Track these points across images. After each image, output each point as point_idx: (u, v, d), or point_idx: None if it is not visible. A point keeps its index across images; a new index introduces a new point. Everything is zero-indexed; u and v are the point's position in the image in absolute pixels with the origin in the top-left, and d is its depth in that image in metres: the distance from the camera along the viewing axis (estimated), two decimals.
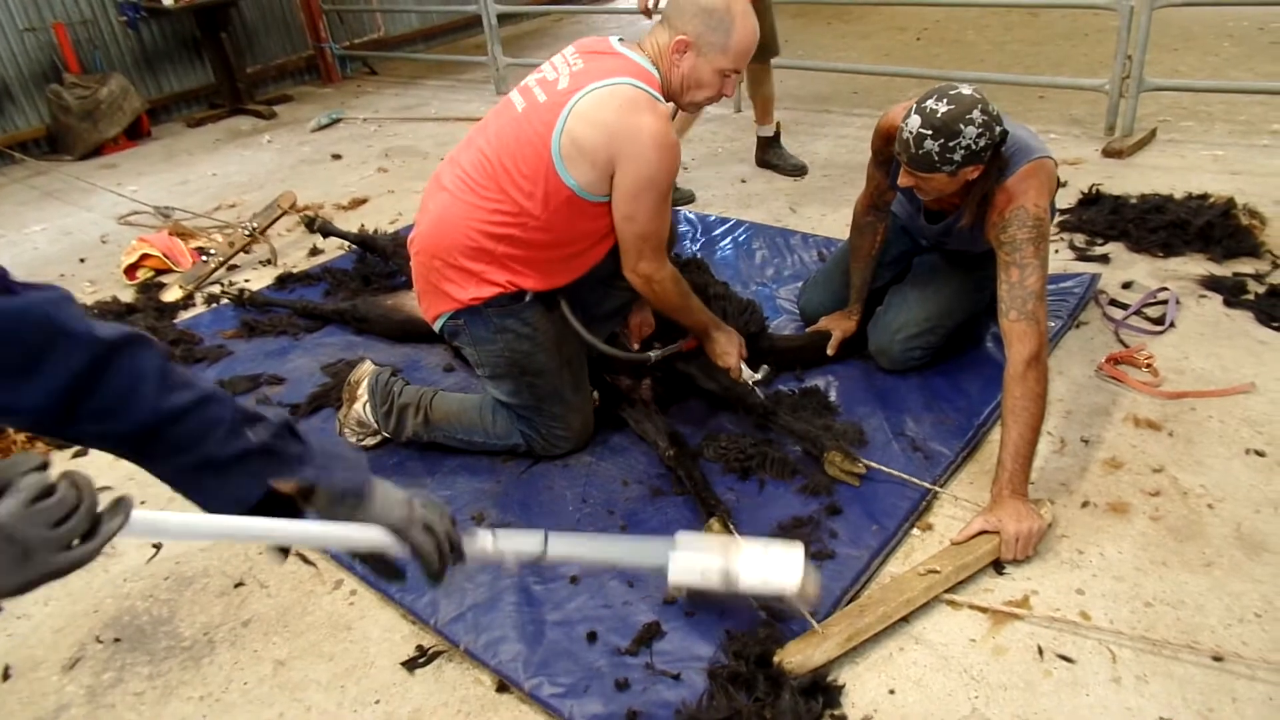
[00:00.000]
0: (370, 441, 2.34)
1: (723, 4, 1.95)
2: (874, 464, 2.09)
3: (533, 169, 1.95)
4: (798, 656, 1.60)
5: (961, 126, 1.87)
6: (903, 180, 2.06)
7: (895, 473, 2.07)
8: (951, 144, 1.88)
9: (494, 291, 2.05)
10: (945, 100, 1.89)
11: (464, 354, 2.23)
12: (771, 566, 1.46)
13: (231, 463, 1.01)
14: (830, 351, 2.51)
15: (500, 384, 2.17)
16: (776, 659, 1.60)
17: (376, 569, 1.23)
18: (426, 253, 2.08)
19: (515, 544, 1.27)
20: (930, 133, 1.89)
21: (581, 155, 1.91)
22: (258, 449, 1.02)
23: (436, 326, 2.18)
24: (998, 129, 1.92)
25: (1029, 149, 2.02)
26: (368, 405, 2.28)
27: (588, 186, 1.94)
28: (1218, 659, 1.57)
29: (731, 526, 1.94)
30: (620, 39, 2.06)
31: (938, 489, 2.03)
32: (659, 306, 2.20)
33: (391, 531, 1.12)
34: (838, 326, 2.54)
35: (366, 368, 2.33)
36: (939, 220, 2.30)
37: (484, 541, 1.24)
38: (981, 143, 1.89)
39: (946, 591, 1.76)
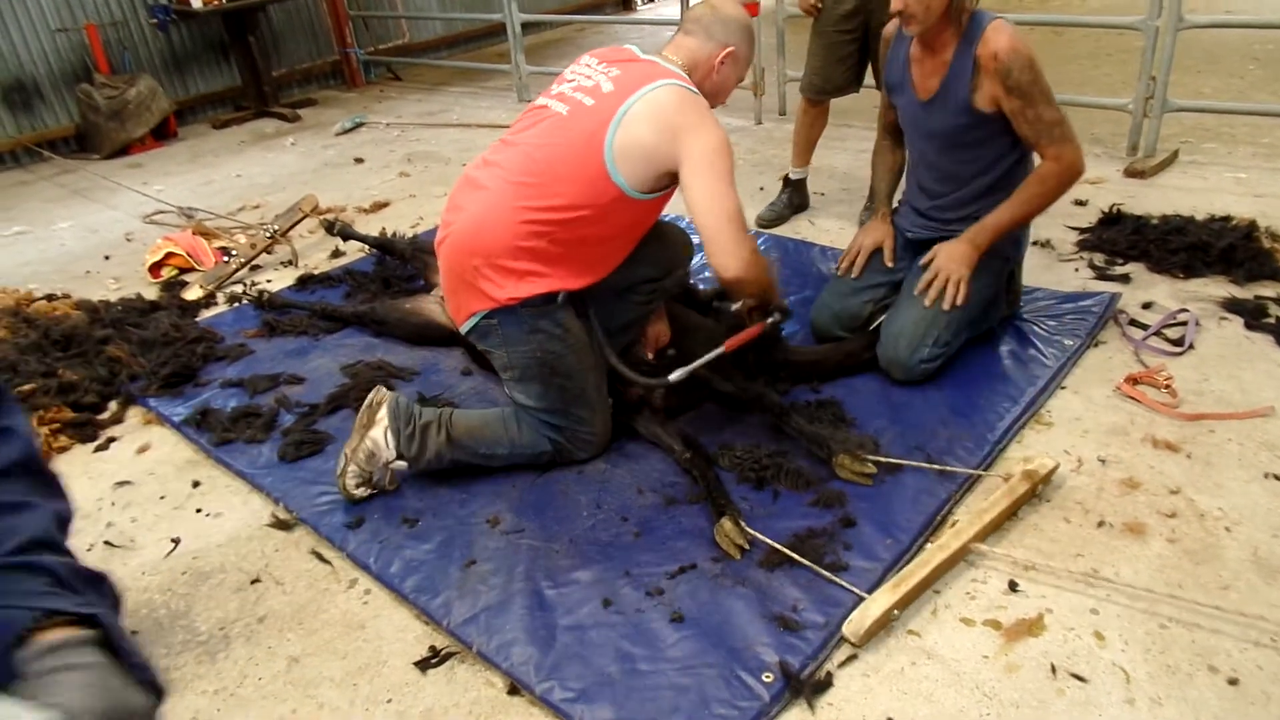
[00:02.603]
0: (362, 493, 2.19)
1: (749, 21, 2.22)
2: (883, 458, 2.13)
3: (583, 169, 2.01)
4: (853, 624, 1.69)
5: None
6: (894, 4, 2.26)
7: (903, 461, 2.13)
8: None
9: (532, 291, 2.06)
10: None
11: (491, 356, 2.22)
12: None
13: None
14: (889, 262, 2.62)
15: (529, 386, 2.18)
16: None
17: None
18: (464, 251, 2.08)
19: None
20: None
21: (641, 153, 2.00)
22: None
23: (467, 327, 2.17)
24: None
25: (993, 16, 2.31)
26: (388, 430, 2.15)
27: (636, 185, 2.03)
28: (1233, 683, 1.56)
29: (743, 525, 1.95)
30: (639, 49, 2.16)
31: (974, 471, 2.03)
32: (758, 291, 2.18)
33: None
34: (872, 236, 2.68)
35: (385, 392, 2.23)
36: (935, 97, 2.43)
37: None
38: None
39: (975, 540, 1.87)
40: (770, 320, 2.26)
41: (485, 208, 2.07)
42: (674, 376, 2.17)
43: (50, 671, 0.76)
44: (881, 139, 2.79)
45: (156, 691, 0.83)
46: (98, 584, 0.88)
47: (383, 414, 2.17)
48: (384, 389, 2.22)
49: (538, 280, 2.07)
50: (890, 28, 2.36)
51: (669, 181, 2.08)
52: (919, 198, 2.64)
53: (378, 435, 2.15)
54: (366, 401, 2.20)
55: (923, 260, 2.35)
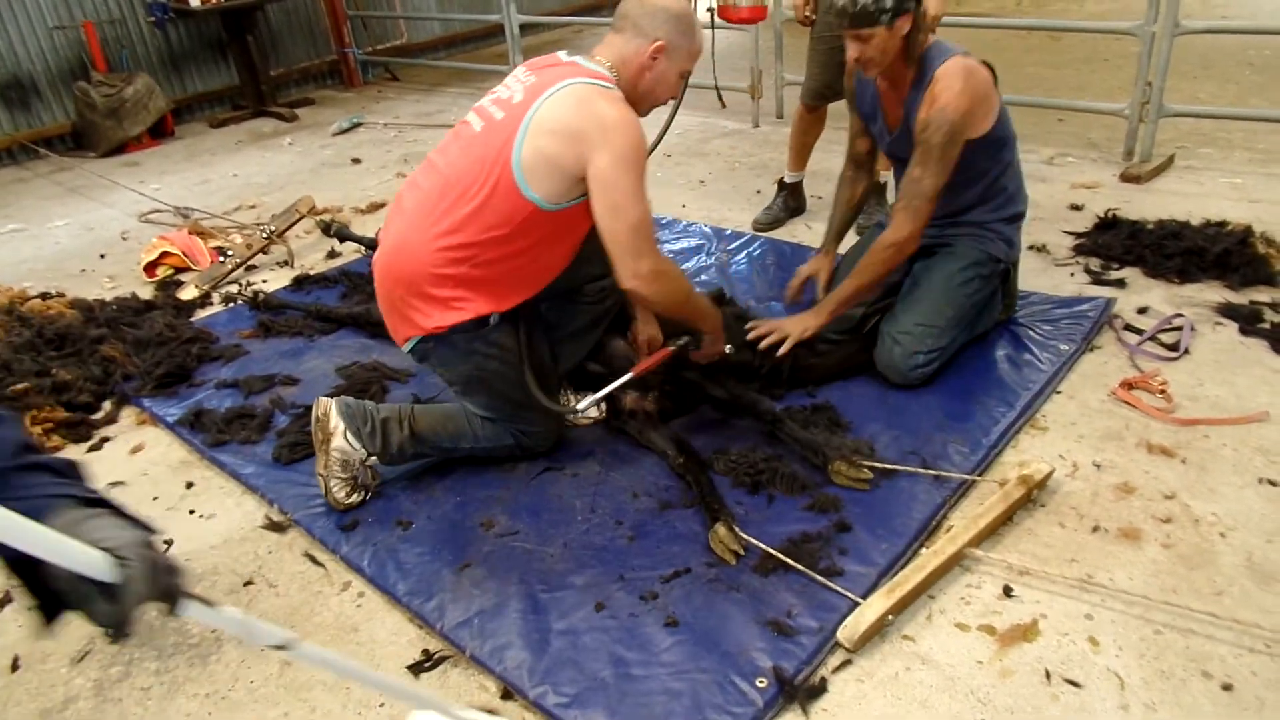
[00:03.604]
0: (356, 498, 2.16)
1: (686, 9, 2.08)
2: (879, 463, 2.13)
3: (492, 188, 1.95)
4: (848, 629, 1.69)
5: None
6: (851, 53, 2.29)
7: (898, 466, 2.13)
8: None
9: (460, 319, 2.04)
10: None
11: (434, 372, 2.23)
12: None
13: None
14: (819, 295, 2.67)
15: (474, 398, 2.19)
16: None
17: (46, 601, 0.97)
18: (390, 279, 2.07)
19: (258, 630, 1.06)
20: None
21: (547, 165, 1.92)
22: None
23: (405, 350, 2.16)
24: None
25: (952, 51, 2.32)
26: (347, 432, 2.11)
27: (550, 198, 1.96)
28: (1227, 688, 1.56)
29: (737, 530, 1.95)
30: (568, 53, 2.10)
31: (969, 476, 2.03)
32: (664, 308, 2.10)
33: (115, 555, 0.89)
34: (810, 266, 2.81)
35: (325, 401, 2.15)
36: (900, 128, 2.47)
37: (229, 613, 1.02)
38: None
39: (969, 545, 1.87)
40: (678, 344, 2.19)
41: (403, 237, 2.04)
42: (583, 405, 2.14)
43: (84, 521, 0.93)
44: (846, 169, 2.80)
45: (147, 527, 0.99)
46: (78, 468, 1.06)
47: (335, 421, 2.12)
48: (321, 398, 2.17)
49: (465, 305, 2.04)
50: (852, 64, 2.38)
51: (584, 189, 1.97)
52: None
53: (340, 443, 2.12)
54: (313, 419, 2.15)
55: (769, 326, 2.42)
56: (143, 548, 0.91)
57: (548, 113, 1.92)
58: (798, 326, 2.39)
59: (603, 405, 2.22)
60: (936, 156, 2.26)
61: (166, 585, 0.92)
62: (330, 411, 2.14)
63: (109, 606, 0.89)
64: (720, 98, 3.18)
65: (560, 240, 2.09)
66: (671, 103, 2.33)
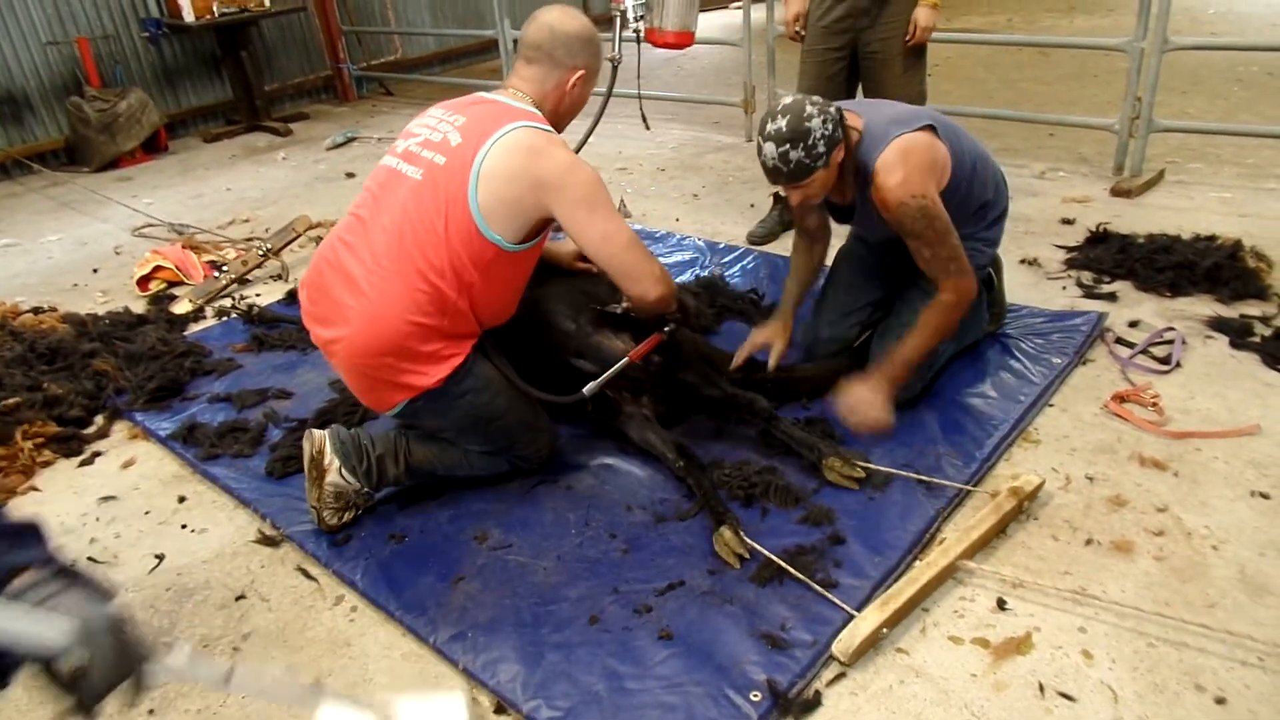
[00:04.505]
0: (348, 516, 2.16)
1: (594, 31, 2.14)
2: (872, 465, 2.15)
3: (456, 235, 1.94)
4: (843, 642, 1.69)
5: (808, 124, 2.04)
6: (794, 199, 2.20)
7: (891, 470, 2.16)
8: (811, 142, 2.04)
9: (454, 366, 2.03)
10: (779, 115, 2.06)
11: (422, 426, 2.18)
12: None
13: None
14: (771, 366, 2.50)
15: (469, 438, 2.18)
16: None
17: None
18: (368, 354, 1.99)
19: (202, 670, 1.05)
20: (789, 145, 2.04)
21: (506, 210, 1.95)
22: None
23: (391, 414, 2.12)
24: (831, 108, 2.09)
25: (883, 133, 2.16)
26: (343, 469, 2.09)
27: (512, 237, 1.99)
28: (1220, 702, 1.57)
29: (742, 534, 1.95)
30: (486, 92, 2.13)
31: (962, 485, 2.03)
32: (669, 305, 2.14)
33: (80, 629, 0.86)
34: (763, 335, 2.53)
35: (319, 437, 2.12)
36: (848, 215, 2.44)
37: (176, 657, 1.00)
38: (830, 126, 2.06)
39: (962, 558, 1.87)
40: (667, 328, 2.26)
41: (374, 309, 1.97)
42: (587, 390, 2.19)
43: (47, 598, 0.89)
44: (798, 239, 2.62)
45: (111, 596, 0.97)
46: (39, 529, 1.02)
47: (330, 458, 2.10)
48: (313, 432, 2.13)
49: (455, 352, 2.04)
50: (797, 204, 2.28)
51: (544, 225, 2.04)
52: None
53: (335, 479, 2.10)
54: (306, 454, 2.11)
55: (839, 398, 2.22)
56: (104, 630, 0.85)
57: (500, 160, 1.93)
58: (871, 409, 2.17)
59: (594, 388, 2.21)
60: (930, 234, 2.14)
61: (132, 667, 0.87)
62: (325, 448, 2.10)
63: (69, 693, 0.85)
64: (645, 120, 3.20)
65: (521, 277, 2.14)
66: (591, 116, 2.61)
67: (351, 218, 2.10)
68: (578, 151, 2.35)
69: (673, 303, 2.16)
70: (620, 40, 2.89)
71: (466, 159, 1.95)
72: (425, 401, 2.06)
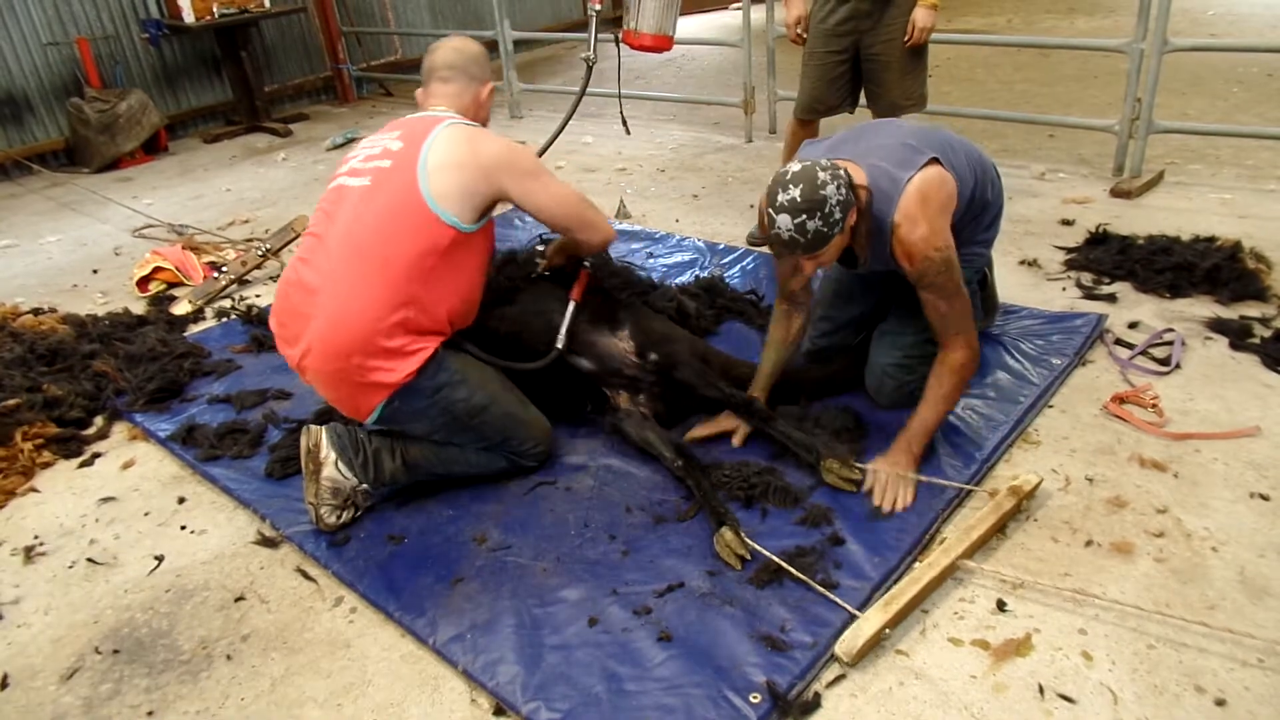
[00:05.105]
0: (346, 516, 2.16)
1: (486, 52, 2.38)
2: (870, 466, 2.15)
3: (412, 220, 2.04)
4: (846, 643, 1.69)
5: (823, 192, 1.94)
6: (808, 269, 2.11)
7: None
8: (827, 210, 1.95)
9: (422, 360, 2.05)
10: (790, 184, 1.96)
11: (409, 431, 2.18)
12: None
13: None
14: (736, 444, 2.36)
15: (459, 436, 2.19)
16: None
17: None
18: (338, 355, 2.01)
19: None
20: (805, 216, 1.94)
21: (459, 191, 2.06)
22: None
23: (371, 420, 2.12)
24: (841, 170, 1.99)
25: (893, 183, 2.08)
26: (339, 462, 2.11)
27: (465, 218, 2.08)
28: (1220, 703, 1.56)
29: (743, 535, 1.96)
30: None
31: (962, 485, 2.03)
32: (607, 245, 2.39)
33: None
34: (726, 423, 2.40)
35: (316, 431, 2.15)
36: (854, 263, 2.32)
37: None
38: (844, 191, 1.97)
39: (963, 558, 1.88)
40: (586, 263, 2.48)
41: (338, 309, 2.01)
42: (560, 343, 2.32)
43: None
44: (779, 304, 2.41)
45: None
46: None
47: (326, 451, 2.12)
48: (310, 427, 2.16)
49: (421, 346, 2.06)
50: (811, 271, 2.16)
51: (492, 205, 2.16)
52: None
53: (331, 473, 2.11)
54: (302, 448, 2.13)
55: (869, 469, 2.15)
56: None
57: (443, 150, 2.07)
58: (907, 493, 2.11)
59: (564, 338, 2.34)
60: (950, 286, 2.08)
61: None
62: (321, 441, 2.13)
63: None
64: (624, 123, 3.24)
65: (479, 267, 2.20)
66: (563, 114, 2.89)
67: (308, 237, 2.17)
68: (542, 153, 2.65)
69: (609, 243, 2.38)
70: (596, 40, 2.90)
71: (411, 156, 2.08)
72: (401, 402, 2.07)
